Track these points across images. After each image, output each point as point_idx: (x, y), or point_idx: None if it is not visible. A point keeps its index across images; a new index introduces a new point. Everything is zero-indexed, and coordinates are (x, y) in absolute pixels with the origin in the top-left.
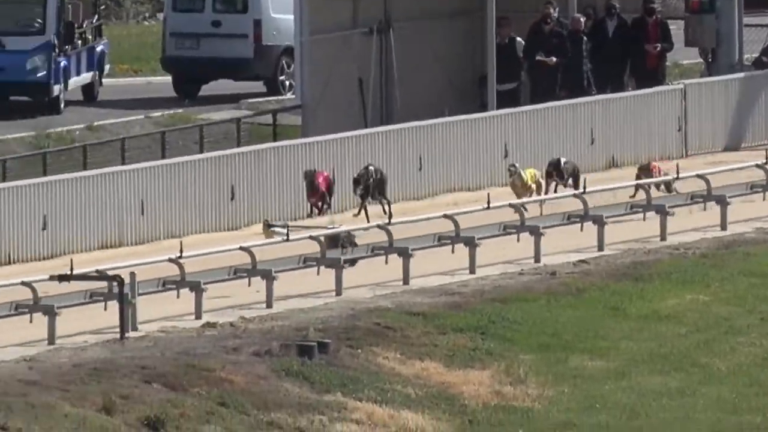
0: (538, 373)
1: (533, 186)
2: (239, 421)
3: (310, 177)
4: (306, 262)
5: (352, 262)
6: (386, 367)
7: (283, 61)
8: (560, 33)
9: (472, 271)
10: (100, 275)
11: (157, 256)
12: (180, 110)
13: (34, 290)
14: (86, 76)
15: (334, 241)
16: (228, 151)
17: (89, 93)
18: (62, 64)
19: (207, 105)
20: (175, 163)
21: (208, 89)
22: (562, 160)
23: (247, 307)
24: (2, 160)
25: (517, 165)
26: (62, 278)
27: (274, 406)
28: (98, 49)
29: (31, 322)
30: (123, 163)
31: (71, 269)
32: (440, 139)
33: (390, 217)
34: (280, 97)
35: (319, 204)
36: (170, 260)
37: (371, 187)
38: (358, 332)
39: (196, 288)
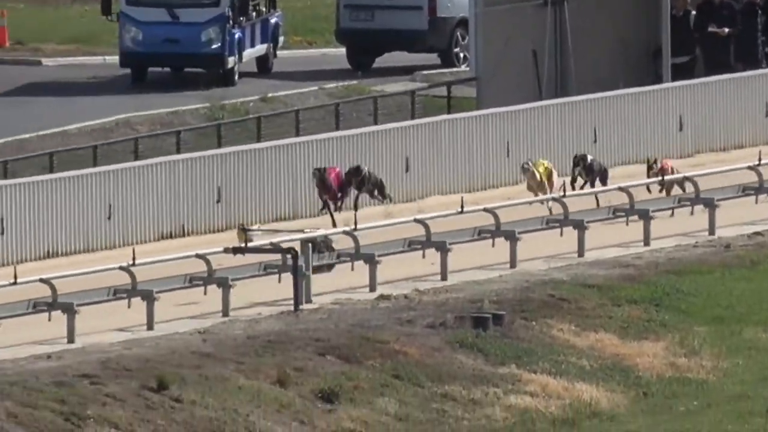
0: (712, 345)
1: (545, 181)
2: (413, 393)
3: (321, 175)
4: (480, 234)
5: (329, 267)
6: (560, 339)
7: (458, 33)
8: (730, 4)
9: (646, 243)
10: (274, 248)
11: (331, 229)
12: (354, 82)
13: (208, 263)
14: (260, 48)
15: (311, 245)
16: (402, 123)
17: (263, 65)
18: (236, 35)
19: (381, 77)
20: (348, 135)
21: (382, 61)
22: (589, 157)
23: (421, 280)
24: (177, 132)
25: (530, 162)
26: (237, 251)
27: (448, 378)
28: (272, 21)
29: (205, 294)
30: (297, 135)
31: (245, 242)
32: (615, 111)
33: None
34: (454, 69)
35: (332, 201)
36: (345, 233)
37: (365, 188)
38: (532, 304)
39: (370, 260)
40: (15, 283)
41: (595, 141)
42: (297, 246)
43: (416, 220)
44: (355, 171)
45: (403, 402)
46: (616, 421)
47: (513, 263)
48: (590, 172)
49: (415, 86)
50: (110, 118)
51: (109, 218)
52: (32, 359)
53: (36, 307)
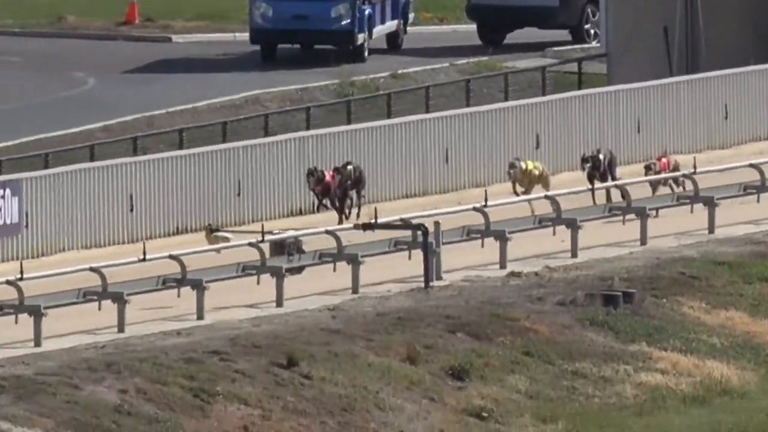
0: None
1: (536, 172)
2: (543, 370)
3: (318, 175)
4: (611, 211)
5: (299, 269)
6: (691, 316)
7: (588, 10)
8: None
9: None
10: (404, 224)
11: (458, 206)
12: (485, 58)
13: (338, 239)
14: (390, 25)
15: (281, 247)
16: (533, 100)
17: (393, 41)
18: (366, 12)
19: (511, 53)
20: (479, 111)
21: (512, 37)
22: (600, 155)
23: (552, 257)
24: (306, 109)
25: (519, 159)
26: (366, 227)
27: (578, 355)
28: None
29: (334, 270)
30: (427, 111)
31: (375, 218)
32: (746, 88)
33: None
34: (585, 46)
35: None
36: (475, 209)
37: (349, 185)
38: (662, 282)
39: (501, 237)
40: (144, 260)
41: (726, 117)
42: (266, 249)
43: (546, 197)
44: (342, 168)
45: (533, 379)
46: (747, 398)
47: (643, 240)
48: (599, 169)
49: (545, 62)
50: (240, 94)
51: (239, 195)
52: (162, 336)
53: (165, 283)
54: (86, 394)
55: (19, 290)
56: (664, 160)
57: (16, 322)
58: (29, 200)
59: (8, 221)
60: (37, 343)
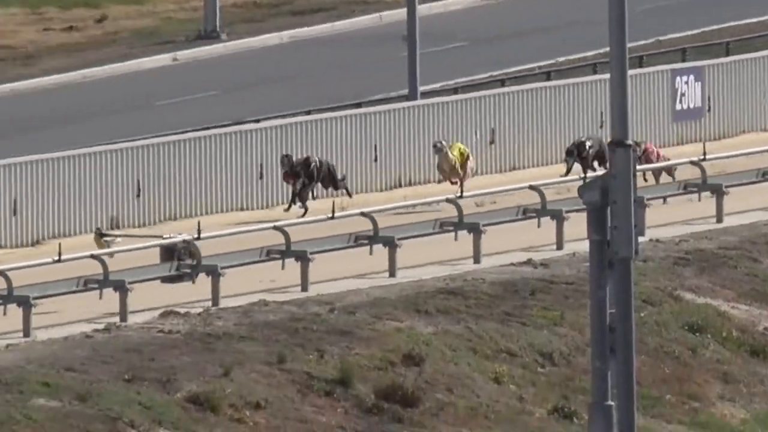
0: None
1: (458, 165)
2: None
3: (290, 162)
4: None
5: (190, 276)
6: None
7: None
8: None
9: None
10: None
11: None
12: None
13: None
14: None
15: (170, 252)
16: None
17: None
18: None
19: None
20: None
21: None
22: (587, 143)
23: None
24: None
25: (444, 142)
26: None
27: None
28: None
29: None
30: None
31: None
32: None
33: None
34: None
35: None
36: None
37: (316, 179)
38: None
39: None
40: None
41: None
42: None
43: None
44: (304, 162)
45: None
46: None
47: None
48: (581, 156)
49: None
50: None
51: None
52: None
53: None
54: (764, 266)
55: None
56: (651, 146)
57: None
58: (711, 85)
59: (692, 105)
60: None
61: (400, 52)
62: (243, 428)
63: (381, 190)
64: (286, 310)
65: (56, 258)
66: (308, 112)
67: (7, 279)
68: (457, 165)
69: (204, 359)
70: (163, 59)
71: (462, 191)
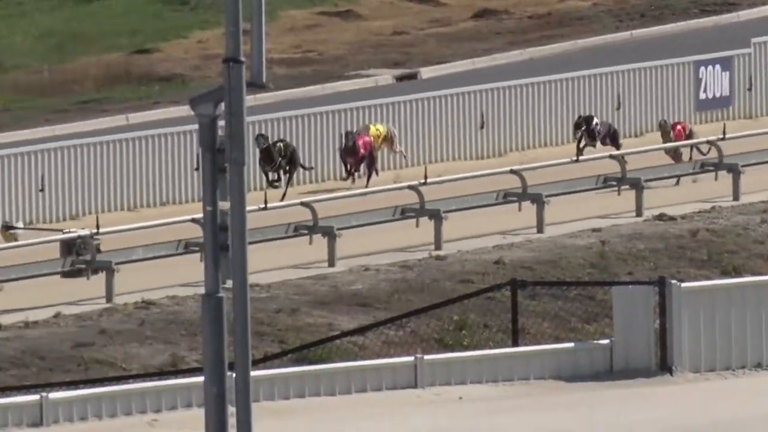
0: None
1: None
2: None
3: (352, 138)
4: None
5: (89, 270)
6: None
7: None
8: None
9: None
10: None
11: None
12: None
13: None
14: None
15: (69, 247)
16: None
17: None
18: None
19: None
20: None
21: None
22: (595, 119)
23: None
24: None
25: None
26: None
27: None
28: None
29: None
30: None
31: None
32: None
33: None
34: None
35: (355, 167)
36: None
37: (282, 163)
38: None
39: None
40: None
41: None
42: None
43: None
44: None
45: None
46: None
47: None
48: (593, 136)
49: None
50: None
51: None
52: None
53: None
54: None
55: None
56: (679, 127)
57: None
58: None
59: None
60: None
61: None
62: None
63: None
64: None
65: None
66: None
67: (624, 164)
68: (375, 144)
69: None
70: None
71: (368, 178)
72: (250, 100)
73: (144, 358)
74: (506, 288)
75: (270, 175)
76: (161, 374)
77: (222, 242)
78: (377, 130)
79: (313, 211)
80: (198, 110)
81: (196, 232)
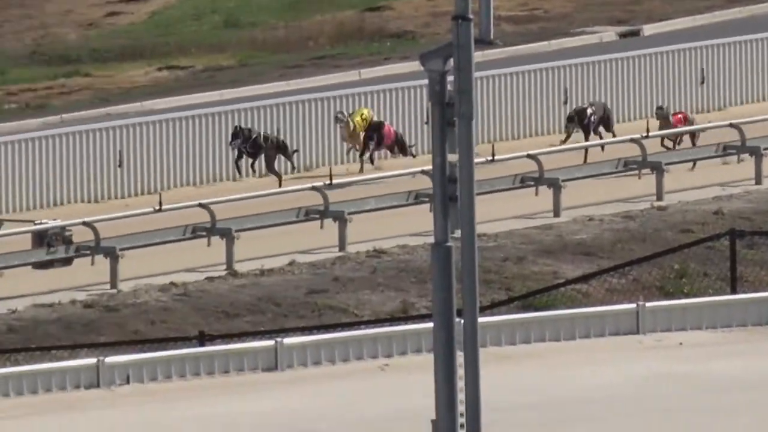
0: None
1: (358, 131)
2: None
3: (377, 127)
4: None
5: (66, 261)
6: None
7: None
8: None
9: None
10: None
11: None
12: None
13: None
14: None
15: (41, 238)
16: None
17: None
18: None
19: None
20: None
21: None
22: (589, 110)
23: None
24: None
25: (345, 113)
26: None
27: None
28: None
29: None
30: None
31: None
32: None
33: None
34: None
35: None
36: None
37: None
38: None
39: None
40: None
41: None
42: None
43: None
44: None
45: None
46: None
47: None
48: (587, 130)
49: None
50: None
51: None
52: None
53: None
54: None
55: None
56: (679, 115)
57: None
58: None
59: None
60: None
61: None
62: None
63: None
64: None
65: None
66: None
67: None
68: (358, 131)
69: None
70: None
71: (362, 162)
72: (477, 56)
73: (375, 305)
74: (725, 237)
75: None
76: (392, 320)
77: (450, 193)
78: (362, 114)
79: (539, 164)
80: (428, 66)
81: (427, 184)
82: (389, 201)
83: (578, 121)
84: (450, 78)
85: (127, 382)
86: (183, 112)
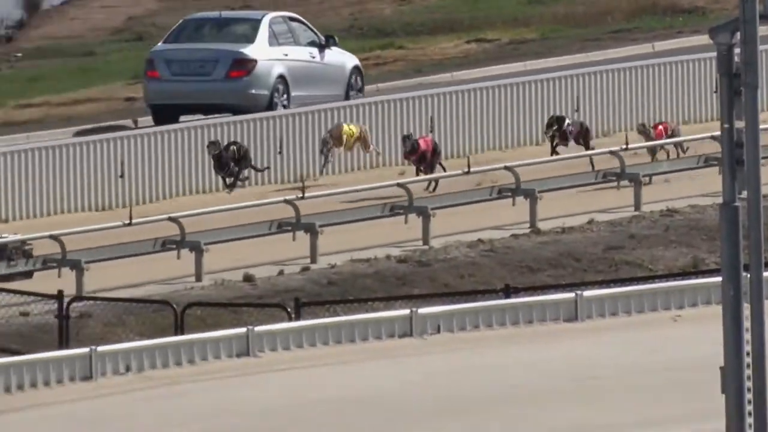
0: None
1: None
2: None
3: (412, 142)
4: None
5: (27, 274)
6: None
7: None
8: None
9: None
10: None
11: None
12: None
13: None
14: None
15: (1, 251)
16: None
17: None
18: None
19: None
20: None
21: None
22: (567, 120)
23: None
24: None
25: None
26: None
27: None
28: None
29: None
30: None
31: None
32: None
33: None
34: None
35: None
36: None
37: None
38: None
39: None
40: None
41: None
42: None
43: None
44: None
45: None
46: None
47: None
48: (564, 136)
49: None
50: None
51: None
52: None
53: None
54: None
55: None
56: (660, 127)
57: None
58: None
59: None
60: None
61: None
62: None
63: None
64: None
65: None
66: None
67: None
68: (350, 145)
69: None
70: None
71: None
72: (762, 30)
73: (668, 260)
74: None
75: (227, 180)
76: (683, 274)
77: (738, 157)
78: (350, 129)
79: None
80: (717, 39)
81: (717, 148)
82: (681, 165)
83: (557, 127)
84: (737, 50)
85: (438, 331)
86: (490, 82)
